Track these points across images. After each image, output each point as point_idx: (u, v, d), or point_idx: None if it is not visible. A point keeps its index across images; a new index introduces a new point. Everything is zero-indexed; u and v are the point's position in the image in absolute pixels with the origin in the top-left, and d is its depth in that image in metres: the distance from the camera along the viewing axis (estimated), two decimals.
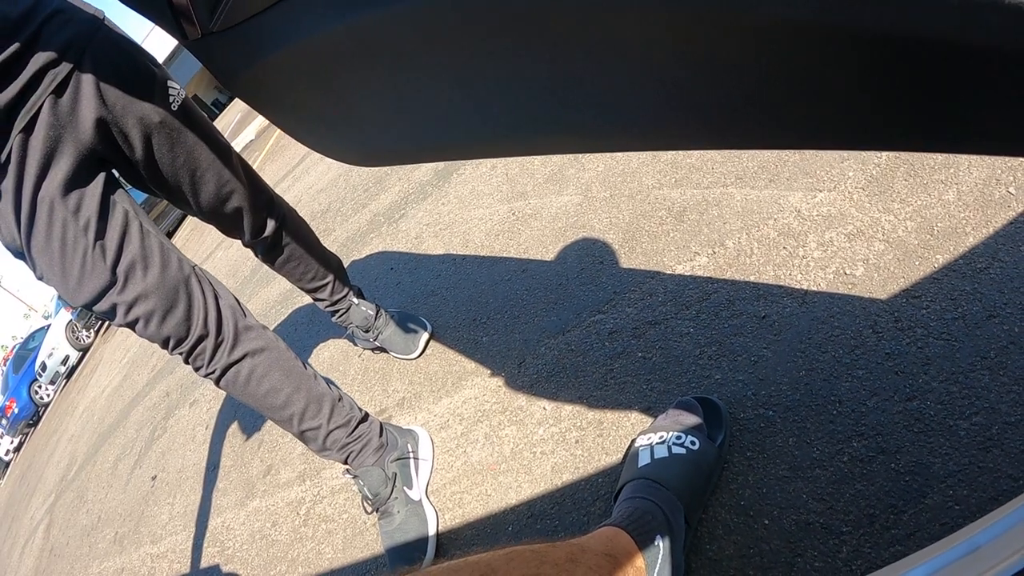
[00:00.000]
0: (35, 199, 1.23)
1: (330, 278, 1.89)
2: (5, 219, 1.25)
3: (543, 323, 1.66)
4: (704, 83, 0.45)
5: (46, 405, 13.33)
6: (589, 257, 1.74)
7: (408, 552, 1.45)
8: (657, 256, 1.58)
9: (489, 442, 1.50)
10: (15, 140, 1.20)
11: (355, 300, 1.98)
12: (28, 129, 1.21)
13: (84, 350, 12.57)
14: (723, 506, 1.04)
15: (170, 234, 11.95)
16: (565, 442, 1.36)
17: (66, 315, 12.03)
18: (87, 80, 1.25)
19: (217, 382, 1.44)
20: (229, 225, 1.65)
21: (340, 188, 3.88)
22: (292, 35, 0.67)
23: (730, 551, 0.99)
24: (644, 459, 1.06)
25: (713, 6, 0.38)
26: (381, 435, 1.58)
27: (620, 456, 1.22)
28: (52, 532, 4.53)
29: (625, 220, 1.76)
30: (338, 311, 1.97)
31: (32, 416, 13.68)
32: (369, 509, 1.54)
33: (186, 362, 1.42)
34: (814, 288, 1.25)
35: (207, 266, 6.15)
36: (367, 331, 2.01)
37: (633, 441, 1.13)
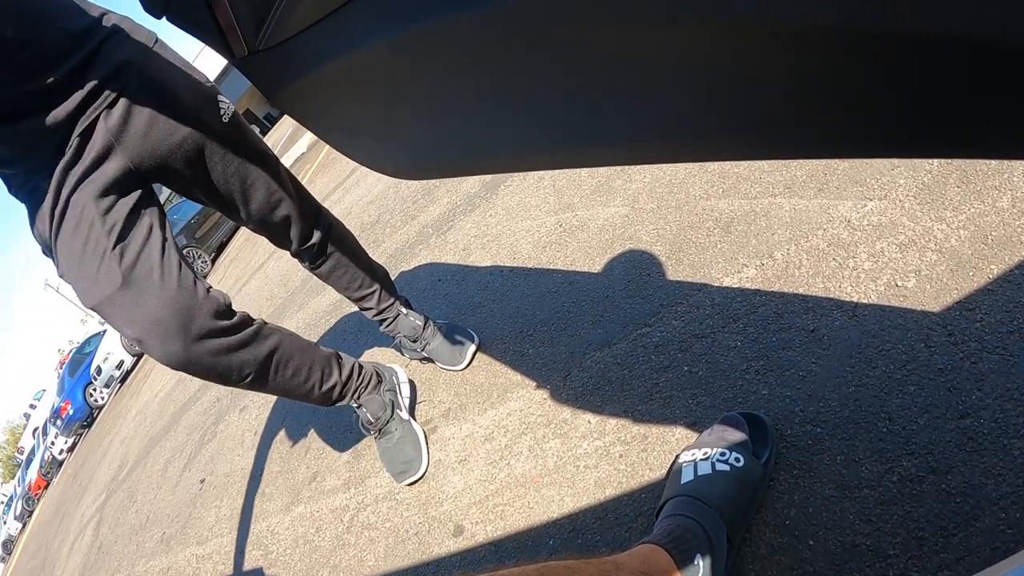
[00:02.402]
0: (70, 198, 1.29)
1: (376, 287, 1.94)
2: (43, 217, 1.31)
3: (589, 336, 1.65)
4: (748, 94, 0.44)
5: (100, 408, 13.72)
6: (636, 269, 1.72)
7: (407, 460, 1.77)
8: (704, 268, 1.55)
9: (533, 454, 1.50)
10: (74, 143, 1.28)
11: (403, 310, 2.02)
12: (86, 135, 1.30)
13: (138, 356, 12.88)
14: (767, 525, 1.02)
15: (223, 245, 12.22)
16: (609, 456, 1.34)
17: None
18: (140, 97, 1.33)
19: (249, 385, 1.51)
20: (278, 234, 1.72)
21: (389, 200, 3.93)
22: (336, 51, 0.67)
23: (773, 572, 0.97)
24: (687, 476, 1.04)
25: (749, 17, 0.37)
26: (376, 374, 1.88)
27: (664, 472, 1.20)
28: (101, 530, 4.67)
29: (672, 231, 1.74)
30: (385, 320, 2.01)
31: (86, 418, 14.08)
32: (372, 432, 1.85)
33: (215, 376, 1.44)
34: (865, 300, 1.22)
35: (259, 276, 6.27)
36: (415, 341, 2.03)
37: (677, 457, 1.11)
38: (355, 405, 1.83)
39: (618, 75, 0.50)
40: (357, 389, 1.80)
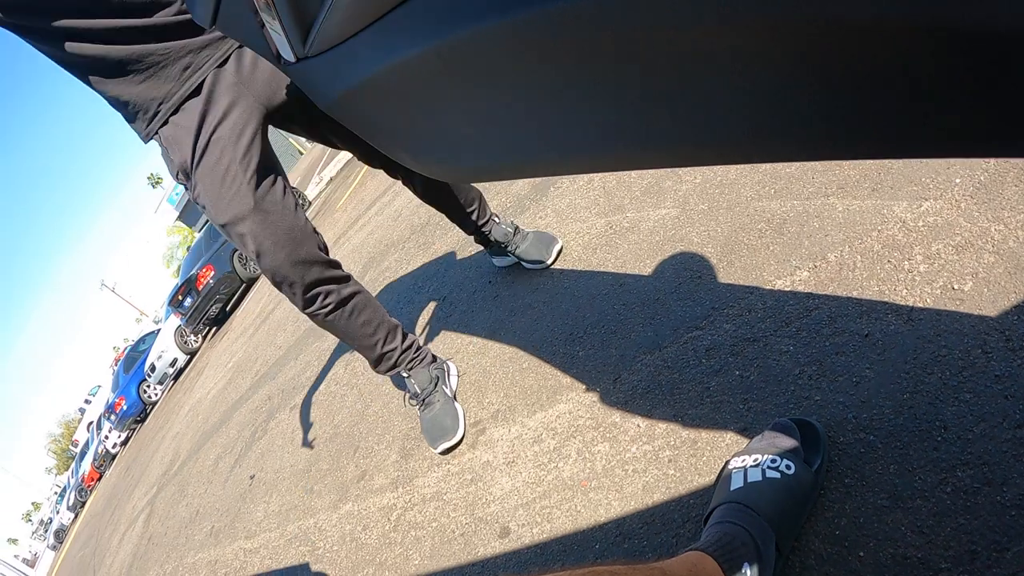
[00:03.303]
0: (211, 137, 1.59)
1: (477, 202, 2.23)
2: (181, 146, 1.60)
3: (639, 338, 1.65)
4: (801, 94, 0.44)
5: (153, 404, 14.08)
6: (687, 271, 1.71)
7: (445, 427, 1.93)
8: (756, 270, 1.54)
9: (581, 458, 1.50)
10: (210, 74, 1.58)
11: (496, 220, 2.32)
12: (218, 78, 1.59)
13: (191, 354, 13.19)
14: (817, 535, 1.01)
15: None
16: (658, 461, 1.34)
17: (175, 320, 12.59)
18: None
19: (326, 317, 1.84)
20: (392, 164, 1.99)
21: None
22: (384, 56, 0.68)
23: None
24: (737, 482, 1.04)
25: (802, 14, 0.37)
26: (432, 356, 2.13)
27: (713, 478, 1.20)
28: (152, 522, 4.80)
29: (723, 233, 1.72)
30: (484, 231, 2.30)
31: (140, 413, 14.47)
32: (415, 403, 2.07)
33: (304, 296, 1.78)
34: (920, 304, 1.19)
35: None
36: (505, 246, 2.33)
37: (727, 463, 1.11)
38: (405, 375, 2.06)
39: (665, 76, 0.50)
40: (412, 361, 2.05)
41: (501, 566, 1.46)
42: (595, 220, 2.30)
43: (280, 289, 1.79)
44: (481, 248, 2.64)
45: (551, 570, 0.85)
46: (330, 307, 1.82)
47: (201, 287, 11.23)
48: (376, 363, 2.02)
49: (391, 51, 0.67)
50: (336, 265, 1.84)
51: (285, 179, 1.73)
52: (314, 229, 1.78)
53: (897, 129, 0.42)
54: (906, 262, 1.28)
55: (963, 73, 0.35)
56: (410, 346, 2.05)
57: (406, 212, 4.55)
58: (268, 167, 1.67)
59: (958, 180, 1.34)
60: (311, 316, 1.85)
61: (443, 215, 2.25)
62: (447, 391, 2.06)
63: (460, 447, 1.90)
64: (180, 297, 11.64)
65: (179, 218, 29.38)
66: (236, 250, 11.31)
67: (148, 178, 47.07)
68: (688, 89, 0.50)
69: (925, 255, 1.26)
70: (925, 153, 0.43)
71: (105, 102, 1.63)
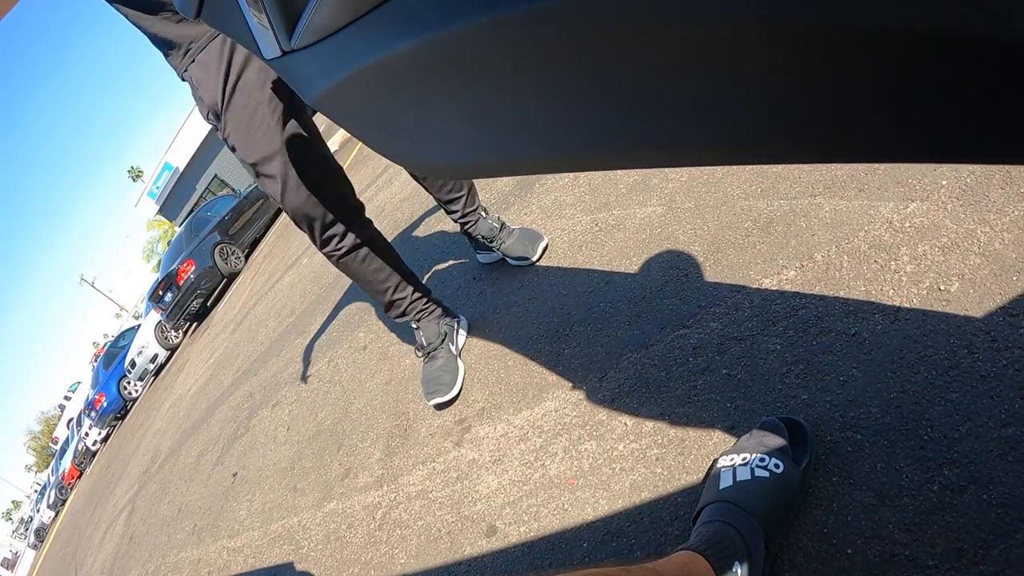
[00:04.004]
0: (239, 79, 1.66)
1: (465, 191, 2.25)
2: (209, 88, 1.66)
3: (626, 337, 1.65)
4: (790, 96, 0.44)
5: (134, 400, 13.90)
6: (673, 270, 1.72)
7: (442, 382, 2.00)
8: (743, 269, 1.55)
9: (568, 456, 1.50)
10: None
11: (483, 214, 2.33)
12: None
13: (172, 350, 13.01)
14: (805, 533, 1.01)
15: (256, 241, 12.35)
16: (645, 459, 1.34)
17: (156, 316, 12.46)
18: None
19: (340, 258, 1.93)
20: None
21: (422, 198, 3.93)
22: (369, 52, 0.68)
23: None
24: (725, 481, 1.04)
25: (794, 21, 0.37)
26: (443, 310, 2.18)
27: (701, 476, 1.20)
28: (133, 520, 4.77)
29: (710, 232, 1.73)
30: (468, 222, 2.32)
31: (120, 410, 14.30)
32: (420, 354, 2.13)
33: (321, 236, 1.86)
34: (906, 304, 1.20)
35: (292, 273, 6.35)
36: (491, 241, 2.33)
37: (715, 461, 1.11)
38: (414, 326, 2.15)
39: (658, 75, 0.50)
40: (420, 312, 2.12)
41: (488, 565, 1.46)
42: (581, 217, 2.30)
43: (300, 227, 1.87)
44: (465, 245, 2.64)
45: (543, 572, 0.85)
46: (344, 250, 1.90)
47: (182, 282, 11.12)
48: (387, 308, 2.12)
49: (380, 45, 0.66)
50: (357, 210, 1.94)
51: (311, 120, 1.81)
52: (341, 170, 1.90)
53: (890, 134, 0.42)
54: (893, 262, 1.29)
55: (932, 78, 0.35)
56: (420, 297, 2.11)
57: (389, 208, 4.54)
58: (294, 109, 1.74)
59: (944, 182, 1.35)
60: (327, 256, 1.94)
61: (431, 196, 2.29)
62: (453, 348, 2.12)
63: (445, 444, 1.89)
64: (160, 292, 11.51)
65: (160, 212, 29.07)
66: (217, 244, 11.24)
67: (128, 171, 46.53)
68: (675, 89, 0.50)
69: (912, 256, 1.27)
70: (911, 159, 0.44)
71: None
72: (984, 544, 0.85)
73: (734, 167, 1.88)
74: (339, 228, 1.86)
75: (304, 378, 3.40)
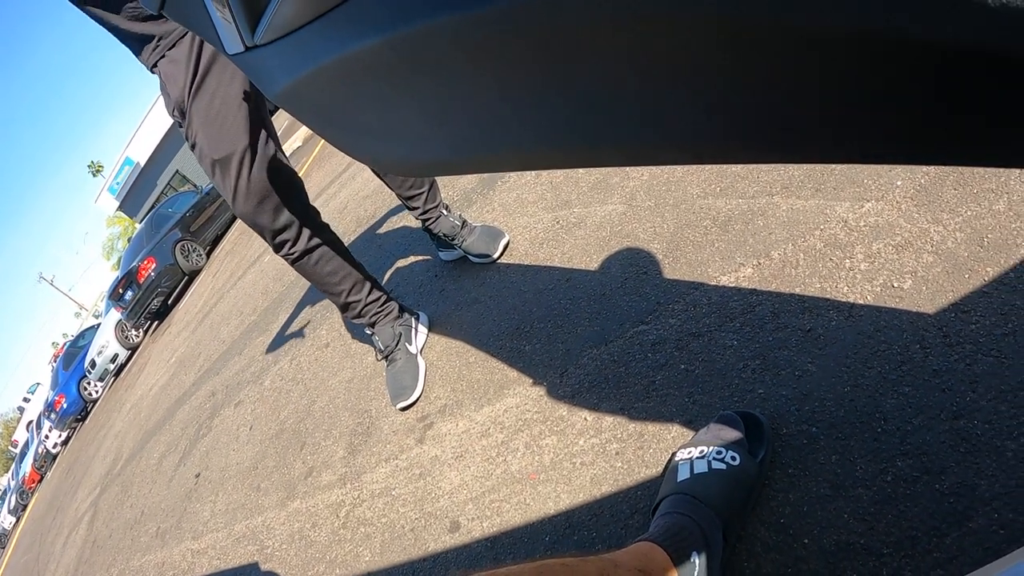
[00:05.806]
0: (207, 75, 1.67)
1: (426, 188, 2.24)
2: (176, 81, 1.67)
3: (586, 333, 1.66)
4: (754, 95, 0.44)
5: (94, 401, 13.61)
6: (633, 267, 1.73)
7: (403, 385, 2.02)
8: (701, 267, 1.56)
9: (529, 451, 1.50)
10: None
11: (444, 211, 2.33)
12: None
13: (133, 349, 12.76)
14: (762, 523, 1.03)
15: (218, 239, 12.20)
16: (605, 454, 1.35)
17: (116, 315, 12.23)
18: None
19: (293, 261, 1.92)
20: None
21: (385, 195, 3.91)
22: (334, 48, 0.67)
23: (768, 570, 0.98)
24: (683, 473, 1.05)
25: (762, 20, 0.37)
26: (399, 310, 2.19)
27: (660, 469, 1.21)
28: (96, 524, 4.68)
29: (669, 230, 1.75)
30: (429, 219, 2.31)
31: (80, 411, 13.98)
32: (379, 358, 2.16)
33: (273, 240, 1.87)
34: (861, 301, 1.22)
35: (254, 270, 6.29)
36: (453, 239, 2.34)
37: (673, 455, 1.12)
38: (370, 332, 2.16)
39: (616, 74, 0.50)
40: (376, 315, 2.12)
41: (452, 560, 1.46)
42: (542, 215, 2.31)
43: (253, 230, 1.86)
44: (428, 242, 2.64)
45: (502, 564, 0.85)
46: (296, 254, 1.90)
47: (142, 280, 10.91)
48: (343, 310, 2.12)
49: (342, 43, 0.66)
50: (309, 214, 1.91)
51: (271, 125, 1.81)
52: (295, 173, 1.88)
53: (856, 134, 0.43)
54: (847, 260, 1.31)
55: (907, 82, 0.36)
56: (375, 300, 2.11)
57: (352, 204, 4.51)
58: (257, 112, 1.74)
59: (899, 182, 1.38)
60: (282, 258, 1.94)
61: (392, 191, 2.28)
62: (411, 348, 2.14)
63: (407, 441, 1.89)
64: (121, 290, 11.29)
65: (120, 208, 28.50)
66: (178, 241, 11.06)
67: (89, 166, 45.58)
68: (630, 88, 0.50)
69: (866, 254, 1.29)
70: (878, 160, 0.44)
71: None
72: (937, 532, 0.87)
73: (693, 166, 1.90)
74: (291, 233, 1.86)
75: (266, 377, 3.37)
